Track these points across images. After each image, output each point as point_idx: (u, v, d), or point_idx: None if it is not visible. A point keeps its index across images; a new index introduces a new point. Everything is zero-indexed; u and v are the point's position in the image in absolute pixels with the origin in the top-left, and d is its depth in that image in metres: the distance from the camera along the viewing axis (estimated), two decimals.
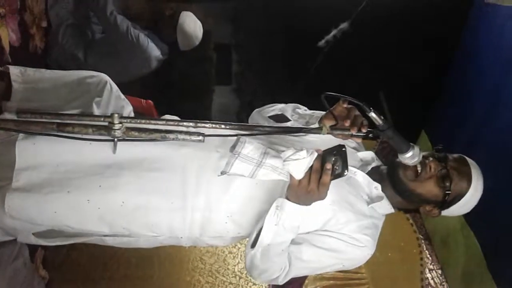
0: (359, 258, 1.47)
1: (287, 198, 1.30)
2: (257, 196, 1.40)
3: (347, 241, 1.41)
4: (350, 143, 1.58)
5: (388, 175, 1.49)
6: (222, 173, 1.34)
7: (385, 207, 1.50)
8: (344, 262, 1.47)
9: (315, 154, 1.25)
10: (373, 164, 1.56)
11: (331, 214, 1.41)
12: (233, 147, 1.32)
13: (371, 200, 1.49)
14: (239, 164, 1.31)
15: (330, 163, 1.24)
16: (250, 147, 1.31)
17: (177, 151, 1.42)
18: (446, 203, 1.45)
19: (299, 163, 1.24)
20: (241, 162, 1.31)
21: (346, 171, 1.23)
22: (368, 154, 1.59)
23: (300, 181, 1.25)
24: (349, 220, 1.42)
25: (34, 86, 1.56)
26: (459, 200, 1.45)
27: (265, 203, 1.38)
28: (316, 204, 1.31)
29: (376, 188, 1.49)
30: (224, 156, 1.40)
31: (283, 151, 1.29)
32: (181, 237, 1.46)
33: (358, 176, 1.50)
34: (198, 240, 1.48)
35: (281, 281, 1.46)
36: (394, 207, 1.52)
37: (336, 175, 1.25)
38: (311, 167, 1.25)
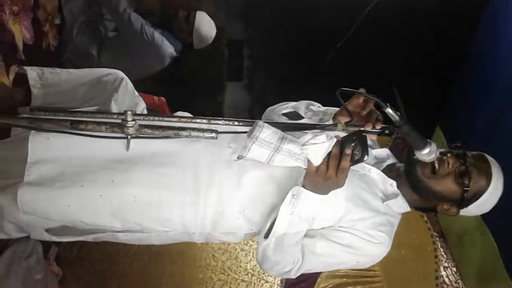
0: (374, 255, 1.44)
1: (304, 187, 1.28)
2: (269, 192, 1.39)
3: (362, 237, 1.39)
4: None
5: (405, 172, 1.46)
6: (239, 157, 1.32)
7: (400, 205, 1.48)
8: (359, 259, 1.44)
9: (334, 140, 1.23)
10: (388, 162, 1.54)
11: (345, 210, 1.39)
12: (251, 132, 1.29)
13: (386, 197, 1.46)
14: (256, 149, 1.28)
15: (350, 149, 1.21)
16: (268, 132, 1.28)
17: (189, 146, 1.42)
18: (464, 201, 1.42)
19: (318, 147, 1.22)
20: (258, 146, 1.28)
21: (366, 156, 1.21)
22: (383, 151, 1.58)
23: (318, 167, 1.23)
24: (364, 217, 1.40)
25: (53, 90, 1.57)
26: (478, 198, 1.41)
27: (277, 199, 1.36)
28: (331, 200, 1.30)
29: (391, 185, 1.47)
30: (236, 152, 1.39)
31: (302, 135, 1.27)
32: (193, 233, 1.45)
33: (372, 173, 1.48)
34: (210, 236, 1.47)
35: (293, 275, 1.43)
36: (410, 206, 1.49)
37: (355, 161, 1.23)
38: (329, 154, 1.22)
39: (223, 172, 1.39)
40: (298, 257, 1.39)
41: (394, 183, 1.46)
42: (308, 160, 1.25)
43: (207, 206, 1.39)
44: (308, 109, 1.55)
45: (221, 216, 1.41)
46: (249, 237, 1.51)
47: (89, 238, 1.46)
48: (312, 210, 1.31)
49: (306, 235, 1.39)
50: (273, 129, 1.30)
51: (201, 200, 1.39)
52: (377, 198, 1.45)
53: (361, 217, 1.39)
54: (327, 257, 1.42)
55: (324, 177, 1.23)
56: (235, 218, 1.41)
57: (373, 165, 1.49)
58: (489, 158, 1.45)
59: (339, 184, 1.25)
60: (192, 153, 1.41)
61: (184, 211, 1.39)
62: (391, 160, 1.55)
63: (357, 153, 1.23)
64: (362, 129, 1.32)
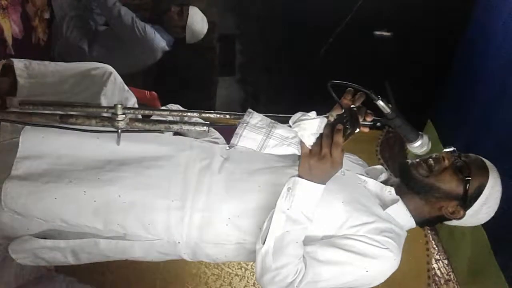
0: (382, 258, 1.31)
1: (300, 176, 1.25)
2: (261, 199, 1.35)
3: (367, 242, 1.30)
4: (356, 160, 1.58)
5: (401, 178, 1.44)
6: (230, 146, 1.28)
7: (403, 213, 1.43)
8: (367, 266, 1.30)
9: (325, 119, 1.21)
10: (382, 177, 1.52)
11: (345, 215, 1.33)
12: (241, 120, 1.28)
13: (385, 205, 1.42)
14: (248, 134, 1.25)
15: (341, 124, 1.20)
16: (258, 118, 1.27)
17: (181, 152, 1.40)
18: (468, 196, 1.38)
19: (309, 123, 1.20)
20: (250, 131, 1.25)
21: (357, 128, 1.20)
22: (376, 167, 1.57)
23: (311, 149, 1.21)
24: (365, 221, 1.34)
25: (40, 81, 1.55)
26: (481, 192, 1.39)
27: (270, 206, 1.31)
28: (328, 203, 1.29)
29: (389, 192, 1.44)
30: (228, 160, 1.39)
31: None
32: (179, 242, 1.39)
33: (369, 185, 1.46)
34: (197, 247, 1.40)
35: (296, 286, 1.28)
36: (415, 218, 1.44)
37: (348, 135, 1.21)
38: (321, 135, 1.21)
39: (212, 178, 1.37)
40: (302, 266, 1.28)
41: (392, 189, 1.43)
42: (301, 144, 1.23)
43: (194, 211, 1.35)
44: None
45: (209, 223, 1.36)
46: (241, 253, 1.42)
47: (68, 249, 1.43)
48: (311, 205, 1.26)
49: (307, 244, 1.32)
50: (263, 116, 1.29)
51: (187, 204, 1.35)
52: (376, 205, 1.41)
53: (363, 221, 1.33)
54: (331, 264, 1.31)
55: (318, 157, 1.20)
56: (223, 225, 1.36)
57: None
58: (483, 158, 1.44)
59: (335, 164, 1.21)
60: (183, 159, 1.39)
61: (169, 215, 1.35)
62: (385, 176, 1.53)
63: (348, 127, 1.21)
64: (352, 106, 1.29)
